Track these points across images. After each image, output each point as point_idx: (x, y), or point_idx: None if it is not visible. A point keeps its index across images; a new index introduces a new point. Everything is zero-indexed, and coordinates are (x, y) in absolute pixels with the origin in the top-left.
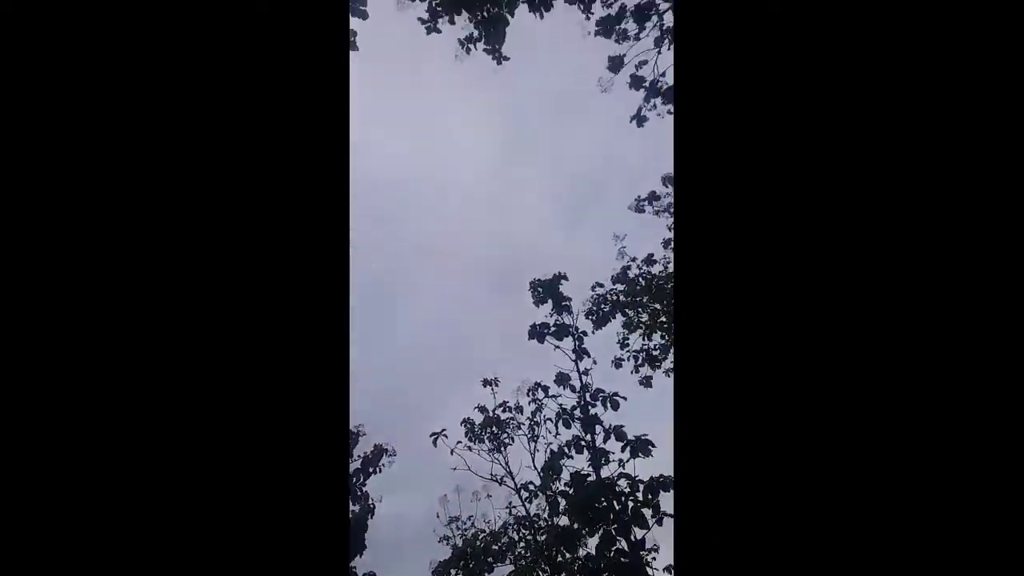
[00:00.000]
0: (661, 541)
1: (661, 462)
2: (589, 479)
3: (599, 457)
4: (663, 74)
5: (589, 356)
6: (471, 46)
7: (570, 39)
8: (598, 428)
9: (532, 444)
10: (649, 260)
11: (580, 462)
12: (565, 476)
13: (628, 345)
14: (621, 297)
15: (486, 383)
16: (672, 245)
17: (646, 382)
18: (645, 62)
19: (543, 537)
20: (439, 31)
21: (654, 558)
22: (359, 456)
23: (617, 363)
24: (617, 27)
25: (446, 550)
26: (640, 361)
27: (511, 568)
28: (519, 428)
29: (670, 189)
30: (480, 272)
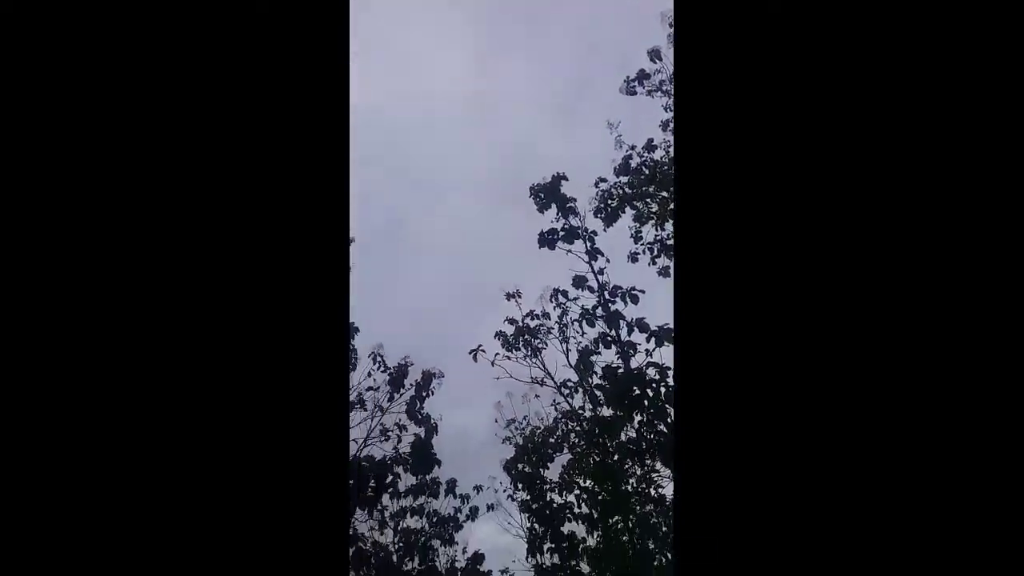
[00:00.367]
0: None
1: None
2: (620, 371)
3: (627, 350)
4: None
5: (603, 255)
6: None
7: None
8: (621, 323)
9: (564, 345)
10: (649, 146)
11: (609, 356)
12: (599, 371)
13: (642, 238)
14: (626, 190)
15: (509, 296)
16: (672, 127)
17: (664, 272)
18: None
19: (587, 427)
20: None
21: None
22: (411, 384)
23: (633, 257)
24: None
25: (510, 449)
26: (656, 252)
27: (569, 455)
28: (549, 332)
29: (659, 64)
30: (485, 188)
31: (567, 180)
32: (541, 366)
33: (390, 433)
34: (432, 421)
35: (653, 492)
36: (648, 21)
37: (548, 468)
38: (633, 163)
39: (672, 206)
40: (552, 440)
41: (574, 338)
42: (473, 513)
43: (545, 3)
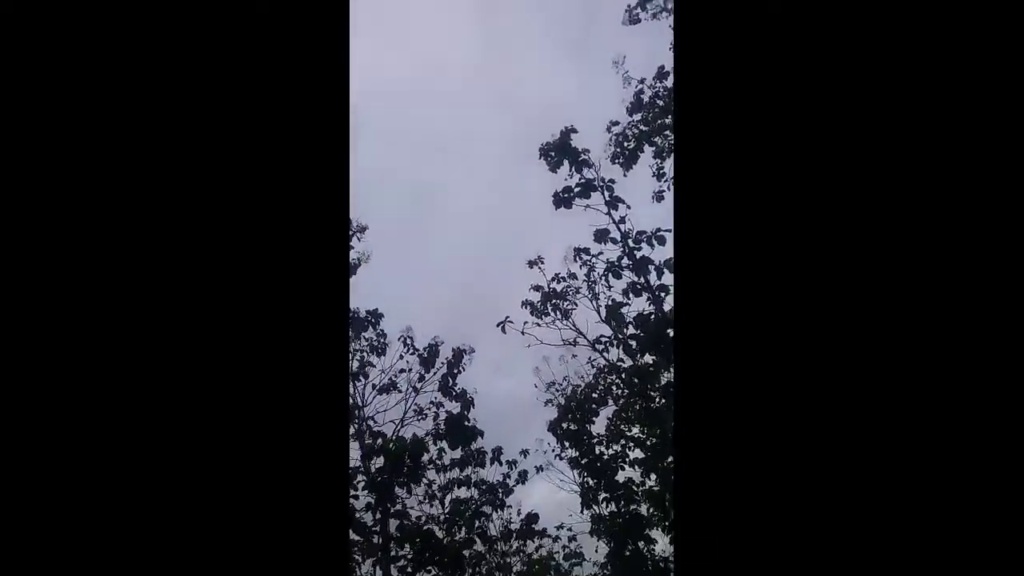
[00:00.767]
0: None
1: None
2: (652, 317)
3: (658, 295)
4: None
5: (624, 203)
6: None
7: None
8: (651, 268)
9: (594, 302)
10: (661, 74)
11: (641, 304)
12: (632, 321)
13: (664, 174)
14: (641, 127)
15: (531, 264)
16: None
17: None
18: None
19: (626, 378)
20: None
21: None
22: (443, 362)
23: (658, 196)
24: None
25: (553, 411)
26: None
27: (613, 408)
28: (577, 292)
29: None
30: (508, 148)
31: (576, 132)
32: (572, 327)
33: (426, 412)
34: (468, 395)
35: None
36: None
37: (594, 423)
38: (646, 97)
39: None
40: (595, 395)
41: (604, 293)
42: (523, 476)
43: None
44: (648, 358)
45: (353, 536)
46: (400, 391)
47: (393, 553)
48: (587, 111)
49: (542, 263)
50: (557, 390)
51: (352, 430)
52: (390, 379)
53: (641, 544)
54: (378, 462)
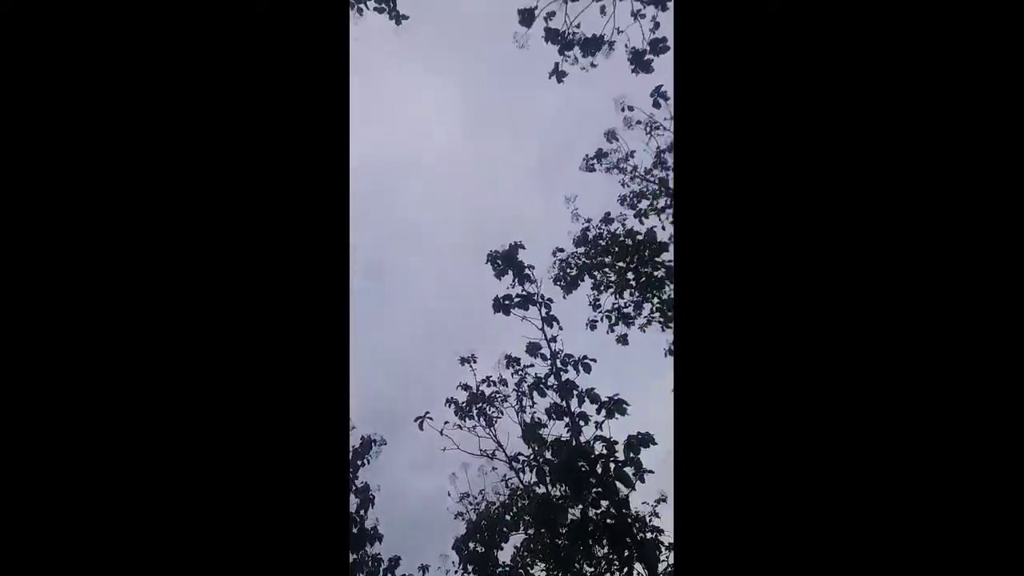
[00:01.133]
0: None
1: (640, 419)
2: (572, 445)
3: (577, 422)
4: (578, 25)
5: (558, 323)
6: (362, 6)
7: None
8: (574, 393)
9: (520, 415)
10: (607, 219)
11: (560, 428)
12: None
13: (600, 306)
14: (583, 260)
15: (463, 361)
16: (627, 202)
17: (622, 340)
18: (553, 14)
19: (536, 505)
20: None
21: (652, 513)
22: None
23: (592, 324)
24: None
25: (461, 525)
26: (614, 320)
27: (523, 535)
28: (504, 401)
29: (615, 144)
30: (459, 246)
31: (524, 248)
32: (493, 437)
33: None
34: (370, 492)
35: None
36: (596, 99)
37: (502, 549)
38: (591, 235)
39: (630, 276)
40: (508, 517)
41: (529, 408)
42: None
43: (521, 90)
44: (558, 490)
45: None
46: None
47: None
48: (540, 231)
49: (474, 362)
50: (470, 503)
51: None
52: None
53: None
54: None
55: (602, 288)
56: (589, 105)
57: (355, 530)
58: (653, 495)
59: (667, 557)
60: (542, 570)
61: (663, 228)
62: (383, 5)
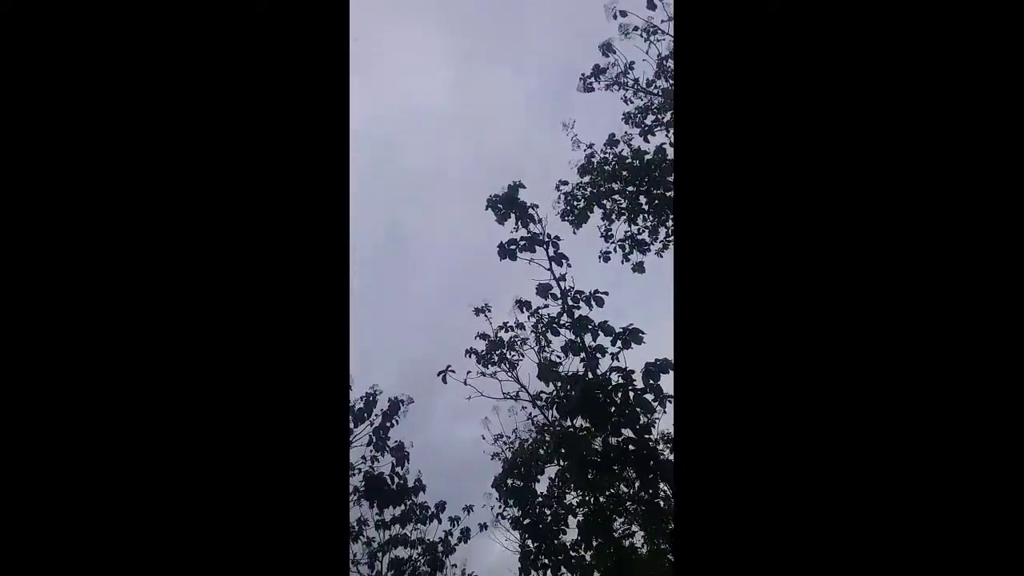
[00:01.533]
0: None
1: (662, 345)
2: (588, 379)
3: (593, 356)
4: None
5: (567, 259)
6: None
7: None
8: (588, 328)
9: (539, 356)
10: (611, 141)
11: (577, 364)
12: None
13: (612, 236)
14: (590, 190)
15: (478, 312)
16: (632, 120)
17: (639, 268)
18: None
19: (551, 441)
20: None
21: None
22: (378, 414)
23: (605, 256)
24: None
25: (499, 465)
26: (628, 249)
27: (556, 467)
28: (524, 343)
29: (612, 57)
30: (471, 196)
31: (524, 188)
32: (516, 380)
33: (356, 468)
34: (404, 449)
35: (634, 503)
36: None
37: (539, 481)
38: (596, 160)
39: (642, 200)
40: (541, 451)
41: (547, 348)
42: (465, 535)
43: (514, 10)
44: (580, 421)
45: None
46: None
47: None
48: (543, 166)
49: (489, 311)
50: (504, 443)
51: None
52: None
53: None
54: None
55: (613, 217)
56: (584, 25)
57: (394, 486)
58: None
59: None
60: (576, 496)
61: (671, 143)
62: None
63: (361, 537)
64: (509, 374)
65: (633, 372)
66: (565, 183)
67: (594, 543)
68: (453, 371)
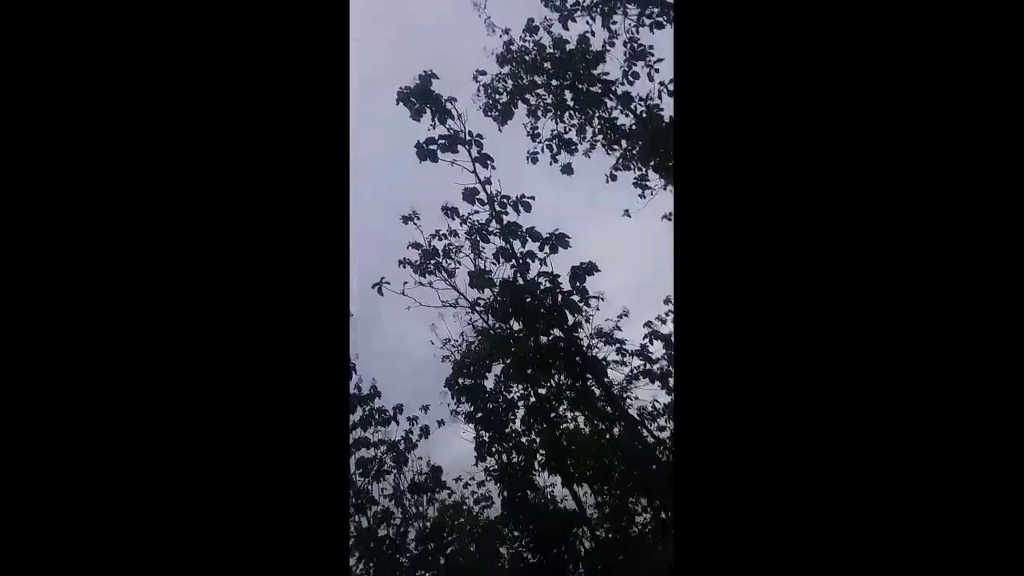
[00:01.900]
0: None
1: (591, 247)
2: (517, 285)
3: (522, 261)
4: None
5: (492, 161)
6: None
7: None
8: (518, 234)
9: (475, 262)
10: (530, 27)
11: (509, 271)
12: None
13: (539, 135)
14: (511, 82)
15: (405, 220)
16: (551, 3)
17: (567, 169)
18: None
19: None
20: None
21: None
22: None
23: (532, 157)
24: None
25: (449, 367)
26: (556, 150)
27: (501, 364)
28: (460, 251)
29: None
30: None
31: (438, 78)
32: (454, 287)
33: None
34: (349, 361)
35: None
36: None
37: (487, 378)
38: (515, 48)
39: (568, 96)
40: (492, 352)
41: (482, 255)
42: (425, 431)
43: None
44: (515, 324)
45: None
46: None
47: None
48: (452, 52)
49: (418, 219)
50: (453, 346)
51: None
52: None
53: (529, 492)
54: None
55: (539, 113)
56: None
57: (352, 393)
58: (616, 312)
59: (628, 363)
60: (520, 391)
61: (592, 33)
62: None
63: None
64: (447, 282)
65: (559, 276)
66: (483, 73)
67: (535, 429)
68: (388, 283)
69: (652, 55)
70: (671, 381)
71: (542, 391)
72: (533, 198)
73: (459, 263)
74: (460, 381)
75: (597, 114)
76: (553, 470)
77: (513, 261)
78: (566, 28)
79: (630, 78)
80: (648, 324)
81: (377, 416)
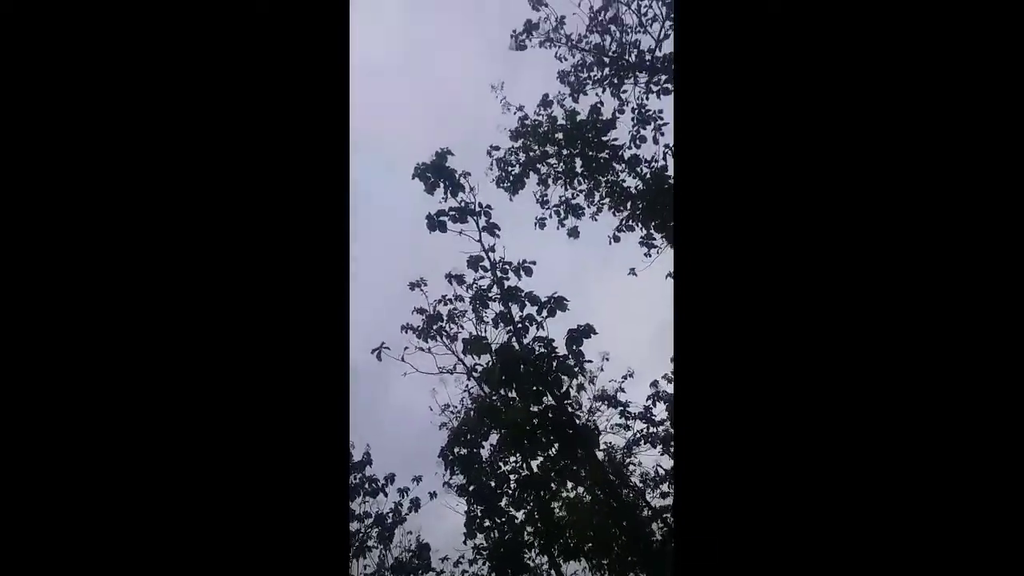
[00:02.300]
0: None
1: (580, 313)
2: (511, 350)
3: (518, 327)
4: None
5: (498, 230)
6: None
7: None
8: (520, 299)
9: (477, 327)
10: (545, 102)
11: (504, 336)
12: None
13: (548, 202)
14: (523, 155)
15: (412, 286)
16: (566, 80)
17: (574, 233)
18: None
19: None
20: None
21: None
22: None
23: (540, 223)
24: None
25: (446, 435)
26: (563, 215)
27: (498, 434)
28: (463, 316)
29: (544, 12)
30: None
31: (453, 155)
32: (453, 353)
33: None
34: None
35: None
36: None
37: (483, 447)
38: (528, 123)
39: (578, 163)
40: (485, 420)
41: (484, 320)
42: (415, 504)
43: None
44: (512, 392)
45: None
46: None
47: None
48: (471, 131)
49: (424, 285)
50: (452, 413)
51: None
52: None
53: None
54: None
55: (549, 182)
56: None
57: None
58: (621, 372)
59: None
60: (515, 460)
61: (601, 104)
62: None
63: None
64: (448, 347)
65: (553, 340)
66: (497, 148)
67: (527, 505)
68: (388, 348)
69: (659, 119)
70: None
71: (535, 463)
72: (535, 263)
73: (462, 327)
74: (456, 450)
75: (605, 178)
76: (544, 549)
77: (509, 327)
78: (575, 100)
79: (637, 142)
80: (654, 384)
81: (367, 486)
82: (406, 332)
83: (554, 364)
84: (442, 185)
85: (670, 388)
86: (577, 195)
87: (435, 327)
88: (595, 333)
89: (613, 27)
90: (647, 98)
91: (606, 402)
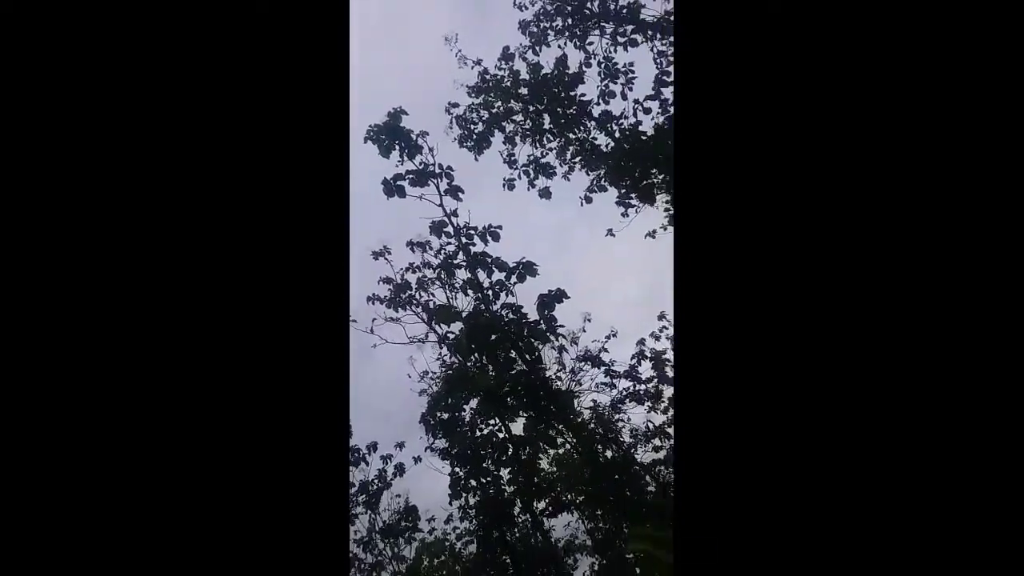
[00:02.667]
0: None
1: (558, 276)
2: (478, 318)
3: (486, 294)
4: None
5: (462, 192)
6: None
7: None
8: (487, 263)
9: (448, 294)
10: (506, 55)
11: (469, 302)
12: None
13: (516, 162)
14: (483, 111)
15: (376, 255)
16: (528, 31)
17: (545, 193)
18: None
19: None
20: None
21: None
22: None
23: (509, 184)
24: None
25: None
26: (533, 175)
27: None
28: (433, 283)
29: None
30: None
31: (407, 114)
32: (424, 321)
33: None
34: None
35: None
36: None
37: (464, 412)
38: (489, 77)
39: (546, 119)
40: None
41: (454, 287)
42: (400, 469)
43: None
44: (478, 360)
45: None
46: None
47: None
48: (422, 88)
49: (389, 253)
50: (431, 379)
51: None
52: None
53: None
54: None
55: (516, 140)
56: None
57: None
58: (604, 333)
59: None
60: (494, 423)
61: (565, 56)
62: None
63: None
64: (419, 316)
65: (523, 307)
66: (456, 105)
67: (509, 464)
68: (355, 320)
69: (630, 73)
70: (665, 399)
71: (514, 425)
72: (501, 227)
73: (433, 295)
74: (436, 415)
75: (575, 136)
76: (526, 508)
77: (478, 294)
78: (535, 53)
79: (606, 98)
80: (641, 342)
81: (352, 454)
82: (372, 303)
83: (525, 331)
84: (397, 147)
85: (657, 345)
86: (547, 153)
87: (404, 295)
88: (567, 297)
89: None
90: (614, 50)
91: (590, 362)
